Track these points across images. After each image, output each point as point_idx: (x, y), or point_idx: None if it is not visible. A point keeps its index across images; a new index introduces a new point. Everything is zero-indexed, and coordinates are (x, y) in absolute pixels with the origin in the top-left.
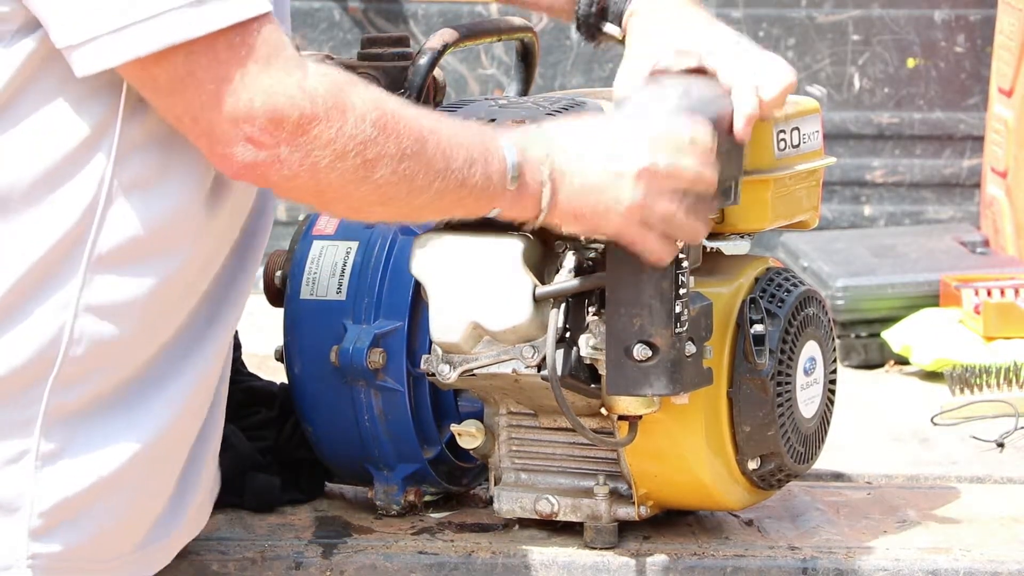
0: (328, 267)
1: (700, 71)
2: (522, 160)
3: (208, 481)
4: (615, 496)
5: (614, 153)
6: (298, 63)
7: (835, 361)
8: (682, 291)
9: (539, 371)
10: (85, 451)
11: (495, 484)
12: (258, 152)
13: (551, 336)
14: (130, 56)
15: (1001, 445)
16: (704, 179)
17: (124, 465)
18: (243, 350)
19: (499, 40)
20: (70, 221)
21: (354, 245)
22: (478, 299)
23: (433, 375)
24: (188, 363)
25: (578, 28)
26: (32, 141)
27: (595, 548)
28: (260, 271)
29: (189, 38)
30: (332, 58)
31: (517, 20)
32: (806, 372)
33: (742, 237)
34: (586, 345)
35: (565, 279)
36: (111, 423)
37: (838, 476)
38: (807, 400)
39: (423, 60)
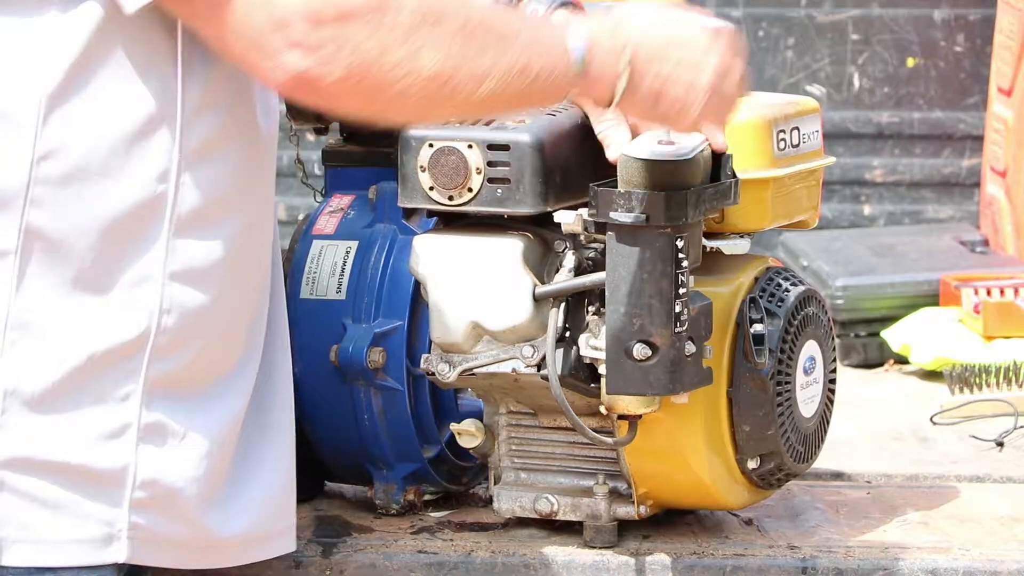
0: (328, 266)
1: None
2: (591, 45)
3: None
4: (615, 495)
5: (685, 18)
6: None
7: (835, 361)
8: (682, 291)
9: (539, 370)
10: (183, 428)
11: (495, 483)
12: (305, 56)
13: (551, 335)
14: None
15: (1000, 445)
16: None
17: (219, 447)
18: None
19: None
20: (148, 190)
21: (354, 245)
22: (478, 299)
23: (433, 374)
24: (263, 349)
25: None
26: (102, 111)
27: (595, 547)
28: None
29: None
30: None
31: None
32: (806, 372)
33: (742, 237)
34: (586, 345)
35: (565, 279)
36: (207, 405)
37: (838, 476)
38: (807, 399)
39: None
